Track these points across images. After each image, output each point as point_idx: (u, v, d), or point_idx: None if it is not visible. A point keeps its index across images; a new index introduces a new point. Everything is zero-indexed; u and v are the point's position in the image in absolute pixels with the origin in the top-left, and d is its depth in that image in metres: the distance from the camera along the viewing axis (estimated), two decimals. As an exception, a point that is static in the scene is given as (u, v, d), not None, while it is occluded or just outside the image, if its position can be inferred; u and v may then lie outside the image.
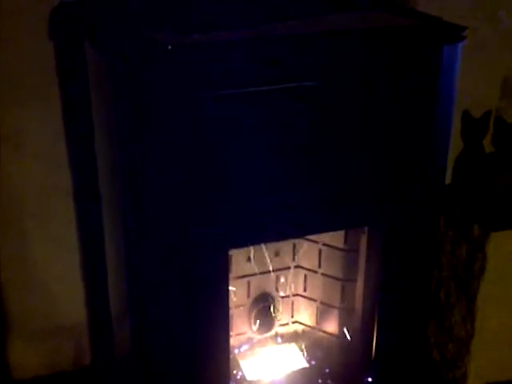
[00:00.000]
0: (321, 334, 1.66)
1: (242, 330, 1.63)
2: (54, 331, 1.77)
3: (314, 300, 1.64)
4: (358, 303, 1.53)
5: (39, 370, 1.79)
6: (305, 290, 1.65)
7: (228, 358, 1.38)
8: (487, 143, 1.87)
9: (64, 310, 1.76)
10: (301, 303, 1.67)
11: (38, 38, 1.50)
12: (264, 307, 1.61)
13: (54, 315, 1.75)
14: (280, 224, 1.30)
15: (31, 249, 1.68)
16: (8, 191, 1.60)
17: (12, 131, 1.56)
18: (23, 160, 1.59)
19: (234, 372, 1.57)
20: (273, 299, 1.63)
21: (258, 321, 1.61)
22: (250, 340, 1.65)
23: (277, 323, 1.65)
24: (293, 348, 1.66)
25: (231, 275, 1.53)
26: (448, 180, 1.88)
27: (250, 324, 1.62)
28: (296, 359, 1.63)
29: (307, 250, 1.60)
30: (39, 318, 1.74)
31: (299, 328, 1.70)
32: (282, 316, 1.66)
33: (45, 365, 1.79)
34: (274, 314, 1.62)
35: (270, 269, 1.59)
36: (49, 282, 1.72)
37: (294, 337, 1.70)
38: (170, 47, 1.11)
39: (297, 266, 1.63)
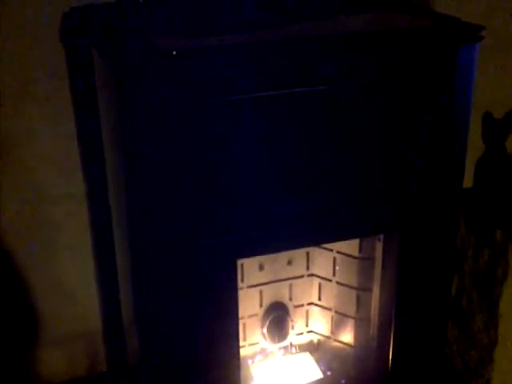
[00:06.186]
0: (336, 344, 1.63)
1: (255, 339, 1.61)
2: (70, 338, 1.76)
3: (329, 309, 1.61)
4: (374, 312, 1.50)
5: (56, 376, 1.78)
6: (319, 299, 1.62)
7: (238, 368, 1.35)
8: (510, 145, 1.84)
9: (80, 317, 1.75)
10: (315, 313, 1.64)
11: (50, 41, 1.50)
12: (277, 317, 1.58)
13: (70, 322, 1.75)
14: (290, 233, 1.27)
15: (46, 256, 1.67)
16: (21, 198, 1.60)
17: (24, 138, 1.55)
18: (36, 167, 1.58)
19: (247, 383, 1.55)
20: (286, 308, 1.60)
21: (272, 330, 1.59)
22: (263, 350, 1.62)
23: (291, 333, 1.62)
24: (308, 358, 1.64)
25: (243, 284, 1.52)
26: (469, 183, 1.85)
27: (263, 334, 1.60)
28: (311, 370, 1.61)
29: (321, 259, 1.57)
30: (55, 324, 1.73)
31: (314, 338, 1.68)
32: (296, 325, 1.63)
33: (62, 371, 1.78)
34: (287, 324, 1.60)
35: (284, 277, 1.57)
36: (65, 288, 1.71)
37: (308, 347, 1.67)
38: (174, 53, 1.08)
39: (310, 275, 1.60)
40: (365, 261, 1.50)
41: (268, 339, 1.60)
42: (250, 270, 1.52)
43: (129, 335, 1.63)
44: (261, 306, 1.58)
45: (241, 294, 1.44)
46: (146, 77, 1.10)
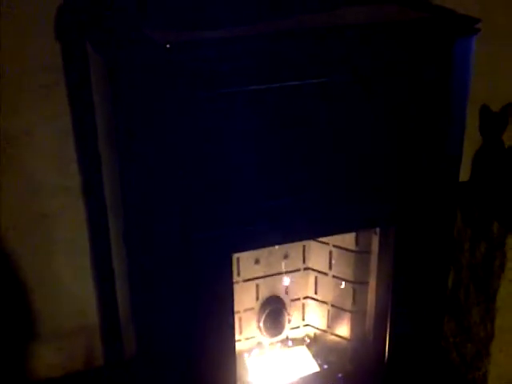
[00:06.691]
0: (333, 337, 1.63)
1: (252, 333, 1.61)
2: (66, 333, 1.76)
3: (325, 303, 1.61)
4: (371, 306, 1.50)
5: (53, 370, 1.78)
6: (315, 293, 1.61)
7: (234, 362, 1.35)
8: (507, 138, 1.83)
9: (77, 312, 1.75)
10: (312, 306, 1.64)
11: (45, 37, 1.49)
12: (273, 310, 1.58)
13: (66, 317, 1.75)
14: (286, 227, 1.26)
15: (43, 251, 1.66)
16: (18, 192, 1.59)
17: (20, 132, 1.54)
18: (32, 161, 1.58)
19: (244, 376, 1.54)
20: (282, 302, 1.59)
21: (268, 324, 1.58)
22: (259, 344, 1.62)
23: (287, 326, 1.62)
24: (304, 352, 1.63)
25: (239, 278, 1.52)
26: (467, 176, 1.84)
27: (260, 327, 1.60)
28: (307, 363, 1.60)
29: (317, 252, 1.57)
30: (52, 319, 1.73)
31: (310, 331, 1.67)
32: (292, 319, 1.63)
33: (59, 365, 1.78)
34: (283, 317, 1.60)
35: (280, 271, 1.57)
36: (61, 283, 1.71)
37: (305, 340, 1.67)
38: (168, 46, 1.08)
39: (307, 268, 1.59)
40: (361, 254, 1.50)
41: (264, 333, 1.60)
42: (247, 263, 1.52)
43: (125, 330, 1.63)
44: (257, 299, 1.58)
45: (237, 287, 1.44)
46: (139, 70, 1.09)
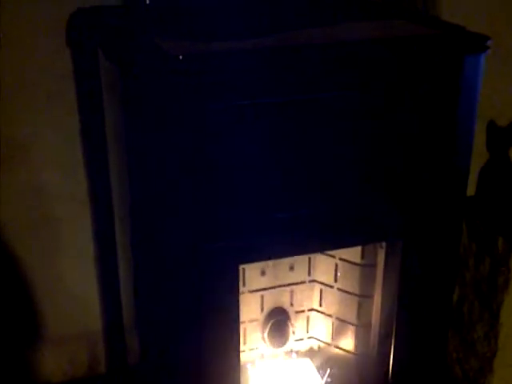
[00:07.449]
0: (337, 350, 1.63)
1: (256, 344, 1.61)
2: (70, 338, 1.76)
3: (330, 316, 1.60)
4: (375, 319, 1.49)
5: (55, 376, 1.78)
6: (320, 305, 1.61)
7: (238, 372, 1.35)
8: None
9: (81, 318, 1.75)
10: (316, 319, 1.64)
11: (55, 44, 1.49)
12: (278, 322, 1.58)
13: (70, 322, 1.74)
14: (293, 239, 1.27)
15: (49, 256, 1.67)
16: (22, 198, 1.60)
17: (27, 139, 1.55)
18: (38, 168, 1.58)
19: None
20: (287, 314, 1.59)
21: (272, 335, 1.58)
22: (263, 355, 1.62)
23: (291, 338, 1.62)
24: (308, 364, 1.63)
25: (244, 289, 1.52)
26: (472, 192, 1.84)
27: (264, 339, 1.59)
28: (311, 376, 1.60)
29: (323, 265, 1.57)
30: (56, 324, 1.73)
31: (315, 344, 1.67)
32: (296, 331, 1.63)
33: (62, 371, 1.78)
34: (288, 329, 1.60)
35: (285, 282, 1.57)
36: (66, 289, 1.71)
37: (309, 353, 1.66)
38: (180, 57, 1.08)
39: (312, 281, 1.59)
40: (367, 268, 1.50)
41: (268, 344, 1.60)
42: (252, 274, 1.52)
43: (129, 336, 1.63)
44: (262, 310, 1.58)
45: (242, 298, 1.43)
46: (150, 80, 1.10)
